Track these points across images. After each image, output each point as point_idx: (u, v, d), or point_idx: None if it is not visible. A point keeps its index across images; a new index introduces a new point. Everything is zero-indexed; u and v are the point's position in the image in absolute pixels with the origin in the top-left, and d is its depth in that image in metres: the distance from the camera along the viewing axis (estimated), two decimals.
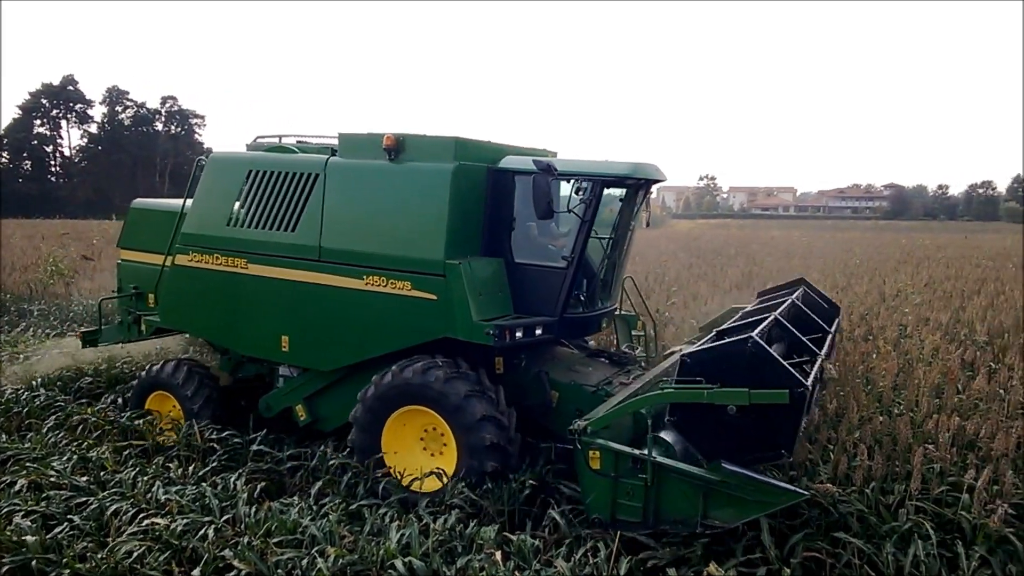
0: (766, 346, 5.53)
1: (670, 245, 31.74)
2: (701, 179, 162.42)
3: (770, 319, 6.58)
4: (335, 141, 8.02)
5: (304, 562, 5.51)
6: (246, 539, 5.79)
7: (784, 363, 5.44)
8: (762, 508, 5.44)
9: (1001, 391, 8.38)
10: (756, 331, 5.83)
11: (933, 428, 7.08)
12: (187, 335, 10.39)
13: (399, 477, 6.93)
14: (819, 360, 6.35)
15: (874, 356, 10.04)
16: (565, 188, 7.37)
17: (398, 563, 5.38)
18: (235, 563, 5.47)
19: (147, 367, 8.97)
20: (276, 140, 8.69)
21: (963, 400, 8.27)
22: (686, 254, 28.38)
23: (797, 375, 5.36)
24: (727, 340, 5.84)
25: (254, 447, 7.76)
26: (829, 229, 66.41)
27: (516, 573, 5.32)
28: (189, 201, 8.64)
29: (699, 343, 6.29)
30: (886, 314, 13.89)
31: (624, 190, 7.52)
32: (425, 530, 5.89)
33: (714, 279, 19.54)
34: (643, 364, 8.70)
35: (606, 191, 7.31)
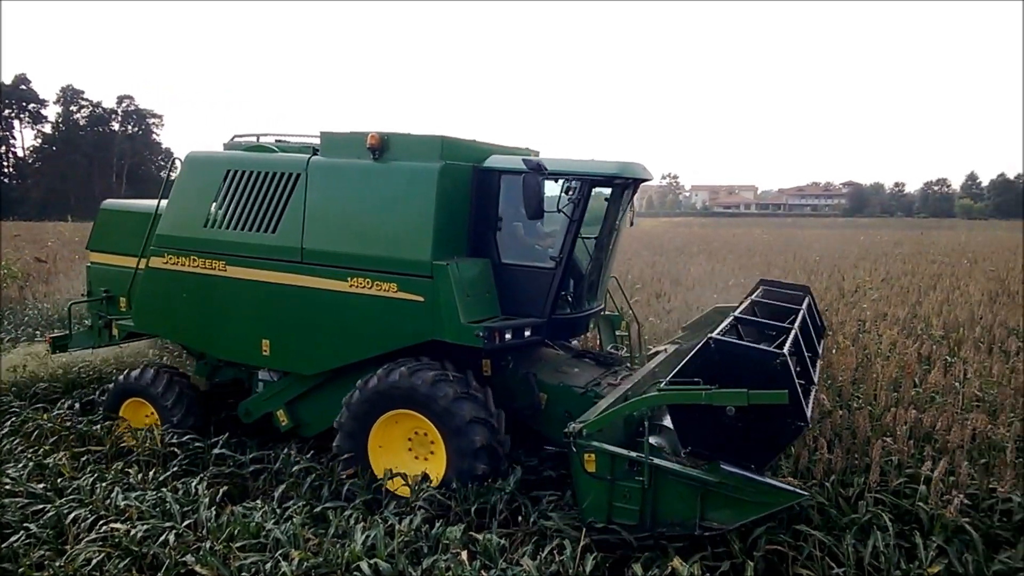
0: (791, 366, 5.30)
1: (633, 244, 31.96)
2: (664, 178, 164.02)
3: (793, 333, 6.46)
4: (316, 140, 7.86)
5: (268, 566, 5.44)
6: (208, 544, 5.70)
7: (797, 387, 5.24)
8: (761, 509, 5.38)
9: (956, 384, 8.60)
10: (786, 346, 5.72)
11: (891, 421, 7.23)
12: (159, 339, 10.16)
13: (387, 483, 6.79)
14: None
15: (833, 351, 10.22)
16: (551, 188, 7.27)
17: (363, 565, 5.33)
18: (197, 568, 5.38)
19: (124, 373, 8.65)
20: (254, 139, 8.49)
21: (920, 393, 8.46)
22: (649, 252, 28.64)
23: (805, 407, 5.25)
24: (760, 347, 5.73)
25: (216, 451, 7.65)
26: (789, 227, 67.41)
27: (482, 572, 5.31)
28: (163, 202, 8.40)
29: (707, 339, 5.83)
30: (845, 310, 14.17)
31: (610, 190, 7.45)
32: (391, 531, 5.85)
33: (677, 277, 19.74)
34: (628, 364, 8.66)
35: (593, 190, 7.24)
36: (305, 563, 5.41)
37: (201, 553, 5.54)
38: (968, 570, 5.31)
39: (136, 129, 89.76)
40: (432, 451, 6.94)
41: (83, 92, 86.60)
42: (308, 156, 7.60)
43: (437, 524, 6.06)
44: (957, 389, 8.41)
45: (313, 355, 7.53)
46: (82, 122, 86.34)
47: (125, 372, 8.63)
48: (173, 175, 8.49)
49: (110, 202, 9.87)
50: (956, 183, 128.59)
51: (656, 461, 5.57)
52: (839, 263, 24.32)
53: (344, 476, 6.97)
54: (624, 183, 7.48)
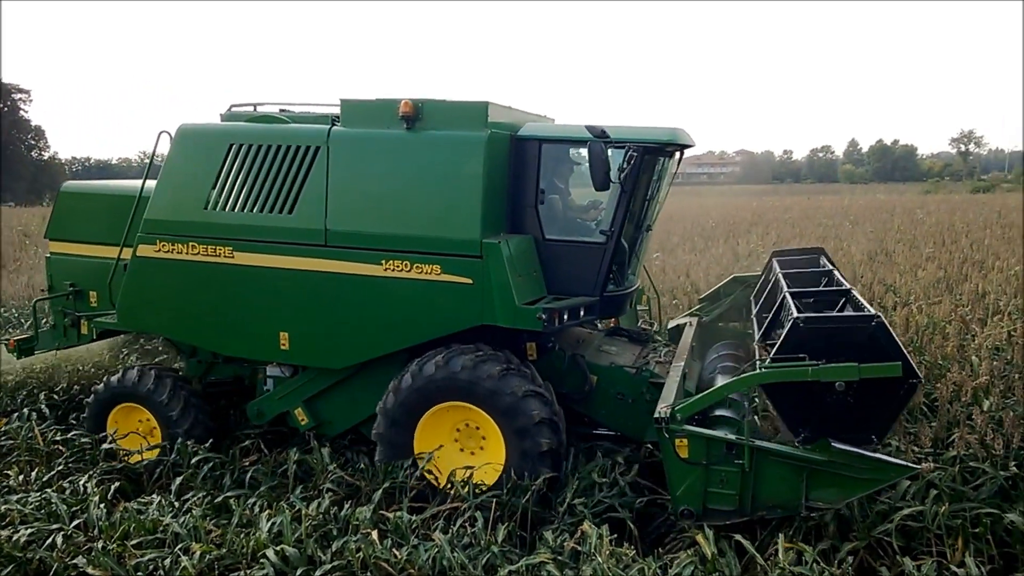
0: (887, 325, 5.11)
1: None
2: None
3: (857, 293, 6.26)
4: (326, 109, 7.20)
5: (167, 562, 5.22)
6: (100, 544, 5.41)
7: (900, 344, 5.09)
8: (870, 486, 5.22)
9: None
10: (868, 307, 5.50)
11: None
12: (127, 336, 9.27)
13: (435, 479, 6.39)
14: None
15: None
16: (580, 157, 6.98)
17: (269, 553, 5.18)
18: (89, 570, 5.12)
19: (112, 377, 7.60)
20: (251, 109, 7.65)
21: None
22: None
23: (912, 362, 5.03)
24: (849, 315, 5.52)
25: (105, 446, 7.23)
26: (688, 195, 69.32)
27: (394, 550, 5.26)
28: (150, 183, 7.42)
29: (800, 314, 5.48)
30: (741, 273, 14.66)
31: (661, 158, 7.00)
32: (298, 516, 5.70)
33: None
34: (656, 339, 8.37)
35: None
36: (208, 556, 5.22)
37: (93, 554, 5.27)
38: None
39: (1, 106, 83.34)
40: (482, 446, 6.49)
41: None
42: (328, 127, 6.83)
43: (346, 505, 5.96)
44: None
45: (341, 347, 6.84)
46: None
47: (113, 376, 7.59)
48: (161, 153, 7.56)
49: (72, 184, 8.76)
50: (839, 150, 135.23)
51: (758, 443, 5.35)
52: (733, 228, 25.19)
53: (247, 463, 6.74)
54: (672, 150, 7.04)
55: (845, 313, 5.73)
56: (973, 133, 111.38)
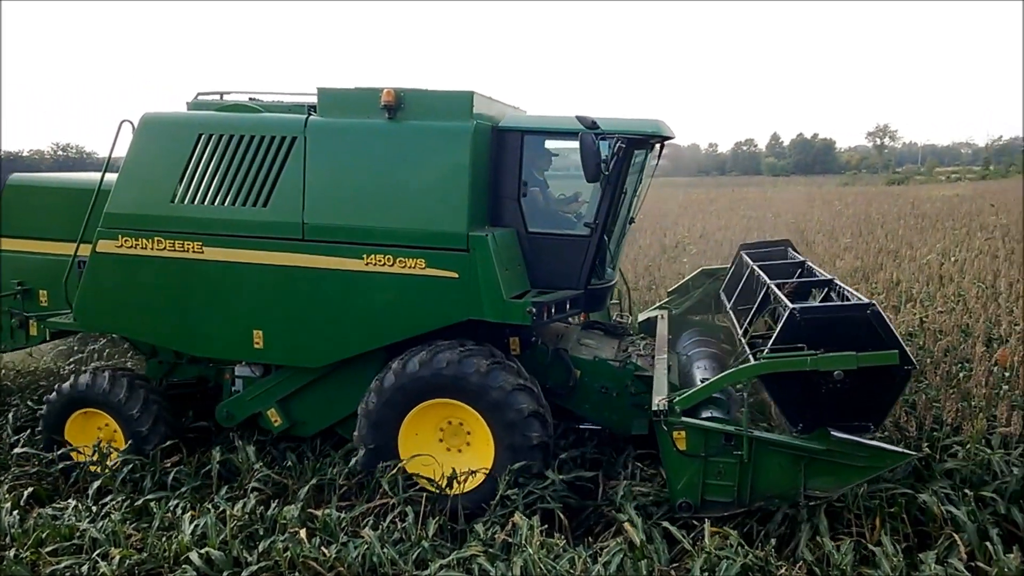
0: (882, 312, 5.22)
1: None
2: None
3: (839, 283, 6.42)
4: (297, 99, 6.94)
5: (84, 568, 5.04)
6: (13, 552, 5.18)
7: (894, 331, 5.21)
8: (867, 473, 5.32)
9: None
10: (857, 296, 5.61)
11: None
12: (73, 338, 8.66)
13: (427, 481, 6.17)
14: None
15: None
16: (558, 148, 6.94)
17: (193, 556, 5.05)
18: None
19: (67, 381, 7.11)
20: (218, 98, 7.27)
21: None
22: None
23: (907, 349, 5.14)
24: (842, 304, 5.60)
25: (17, 450, 6.89)
26: None
27: (323, 549, 5.17)
28: (111, 176, 6.96)
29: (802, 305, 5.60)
30: (667, 264, 14.99)
31: (643, 150, 6.94)
32: (223, 517, 5.55)
33: None
34: (631, 332, 8.36)
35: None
36: (128, 561, 5.06)
37: (5, 562, 5.03)
38: None
39: None
40: (468, 442, 6.37)
41: None
42: (305, 116, 6.57)
43: (273, 504, 5.84)
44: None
45: (319, 345, 6.58)
46: None
47: (67, 382, 7.11)
48: (122, 143, 7.05)
49: (19, 176, 8.09)
50: (762, 143, 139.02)
51: (756, 433, 5.40)
52: (660, 220, 25.63)
53: (168, 464, 6.52)
54: (655, 142, 6.99)
55: (840, 303, 5.83)
56: (888, 127, 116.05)
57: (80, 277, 6.94)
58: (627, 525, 5.29)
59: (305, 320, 6.53)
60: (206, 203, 6.61)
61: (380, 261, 6.27)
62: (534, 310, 6.09)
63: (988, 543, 5.01)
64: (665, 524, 5.42)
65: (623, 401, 6.86)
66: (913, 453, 5.53)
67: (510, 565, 4.96)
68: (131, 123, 6.89)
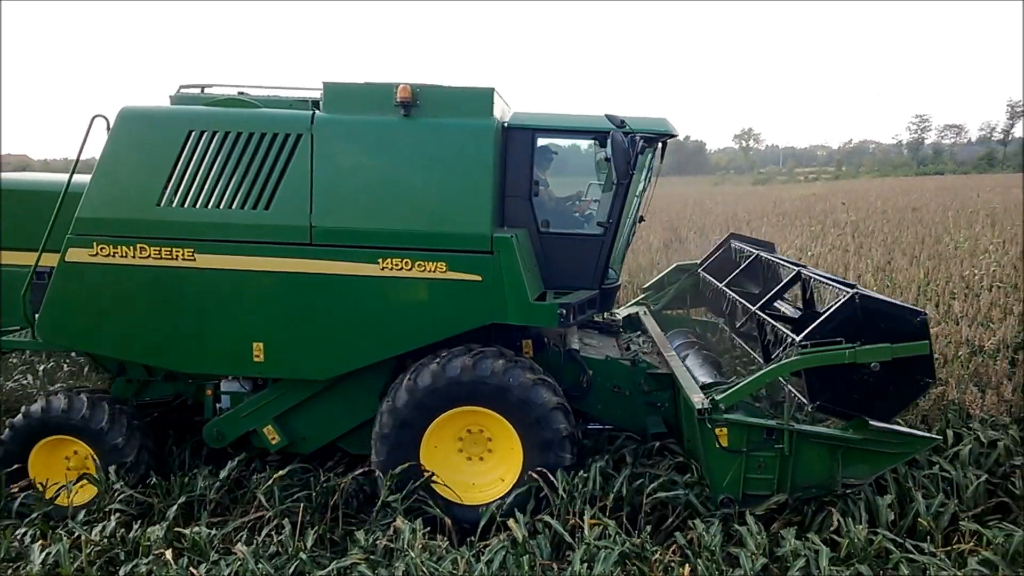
0: (928, 324, 5.52)
1: None
2: None
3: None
4: (293, 94, 6.52)
5: None
6: None
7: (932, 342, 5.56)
8: (897, 459, 5.59)
9: None
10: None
11: None
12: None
13: (452, 493, 5.95)
14: None
15: None
16: (580, 148, 6.84)
17: None
18: None
19: (26, 408, 6.36)
20: (198, 91, 6.68)
21: None
22: None
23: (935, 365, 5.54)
24: (900, 304, 5.72)
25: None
26: None
27: (191, 569, 4.91)
28: (81, 177, 6.24)
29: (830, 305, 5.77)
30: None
31: (650, 148, 6.83)
32: (79, 543, 5.18)
33: None
34: (622, 328, 8.22)
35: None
36: None
37: None
38: None
39: None
40: (489, 449, 6.18)
41: None
42: (310, 112, 6.11)
43: (136, 526, 5.49)
44: None
45: (328, 356, 6.15)
46: None
47: (35, 405, 6.36)
48: (97, 139, 6.34)
49: None
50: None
51: (797, 426, 5.51)
52: None
53: (15, 489, 6.00)
54: (663, 141, 6.84)
55: (896, 301, 5.95)
56: (752, 130, 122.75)
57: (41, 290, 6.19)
58: (511, 522, 5.30)
59: (312, 330, 6.10)
60: (198, 206, 6.04)
61: (397, 265, 5.94)
62: (564, 311, 5.99)
63: (851, 518, 5.36)
64: (546, 518, 5.48)
65: (635, 400, 6.86)
66: (938, 437, 5.92)
67: (392, 571, 4.88)
68: (105, 118, 6.24)
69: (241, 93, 6.73)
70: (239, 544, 5.19)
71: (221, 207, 6.02)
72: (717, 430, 5.57)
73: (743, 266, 8.03)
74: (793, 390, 6.01)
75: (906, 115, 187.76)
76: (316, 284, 5.99)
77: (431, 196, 6.01)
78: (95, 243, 6.05)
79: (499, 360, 5.95)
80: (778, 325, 6.07)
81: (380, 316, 6.05)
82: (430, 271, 5.94)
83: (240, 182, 6.03)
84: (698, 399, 5.73)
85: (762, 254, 7.80)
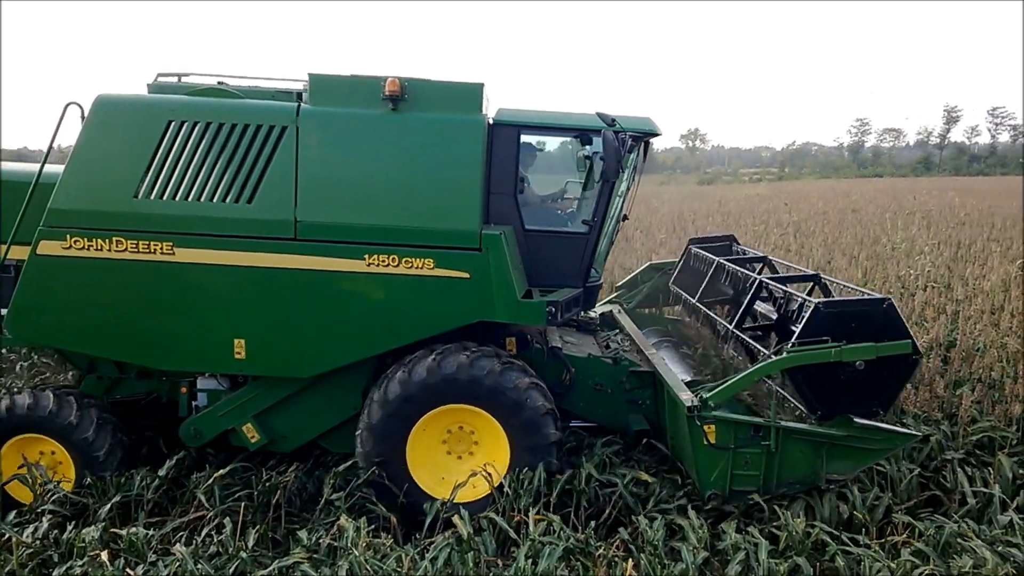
0: (896, 307, 5.62)
1: None
2: None
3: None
4: (276, 85, 6.37)
5: None
6: None
7: (906, 324, 5.63)
8: (880, 454, 5.75)
9: None
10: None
11: None
12: None
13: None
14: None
15: None
16: (553, 145, 6.79)
17: None
18: None
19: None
20: (175, 80, 6.43)
21: None
22: None
23: (915, 340, 5.59)
24: (860, 299, 5.90)
25: None
26: None
27: (128, 571, 4.79)
28: (50, 168, 5.99)
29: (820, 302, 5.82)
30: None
31: (635, 147, 6.78)
32: (8, 546, 5.01)
33: None
34: (598, 326, 8.18)
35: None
36: None
37: None
38: None
39: None
40: (472, 450, 6.14)
41: None
42: (294, 104, 5.95)
43: (70, 527, 5.33)
44: None
45: (312, 353, 6.02)
46: None
47: (2, 402, 6.12)
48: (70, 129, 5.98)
49: None
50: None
51: (783, 423, 5.60)
52: None
53: None
54: (645, 140, 6.84)
55: (858, 297, 6.19)
56: (699, 131, 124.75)
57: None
58: (455, 519, 5.30)
59: (296, 326, 5.98)
60: (178, 198, 5.84)
61: (384, 261, 5.85)
62: (553, 309, 5.98)
63: (788, 511, 5.50)
64: (490, 515, 5.49)
65: (617, 397, 6.90)
66: (919, 434, 6.03)
67: (335, 569, 4.83)
68: (79, 106, 5.99)
69: (221, 83, 6.61)
70: (178, 544, 5.08)
71: (202, 200, 5.86)
72: (706, 427, 5.65)
73: (709, 275, 8.06)
74: (784, 393, 6.13)
75: (847, 119, 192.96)
76: (300, 280, 5.90)
77: (419, 192, 5.95)
78: (68, 235, 5.82)
79: (495, 361, 5.95)
80: (758, 346, 6.19)
81: (366, 313, 5.99)
82: (417, 268, 5.88)
83: (222, 174, 5.87)
84: (687, 397, 5.80)
85: (723, 261, 7.84)
